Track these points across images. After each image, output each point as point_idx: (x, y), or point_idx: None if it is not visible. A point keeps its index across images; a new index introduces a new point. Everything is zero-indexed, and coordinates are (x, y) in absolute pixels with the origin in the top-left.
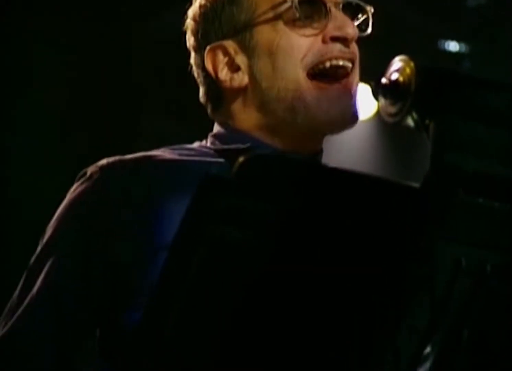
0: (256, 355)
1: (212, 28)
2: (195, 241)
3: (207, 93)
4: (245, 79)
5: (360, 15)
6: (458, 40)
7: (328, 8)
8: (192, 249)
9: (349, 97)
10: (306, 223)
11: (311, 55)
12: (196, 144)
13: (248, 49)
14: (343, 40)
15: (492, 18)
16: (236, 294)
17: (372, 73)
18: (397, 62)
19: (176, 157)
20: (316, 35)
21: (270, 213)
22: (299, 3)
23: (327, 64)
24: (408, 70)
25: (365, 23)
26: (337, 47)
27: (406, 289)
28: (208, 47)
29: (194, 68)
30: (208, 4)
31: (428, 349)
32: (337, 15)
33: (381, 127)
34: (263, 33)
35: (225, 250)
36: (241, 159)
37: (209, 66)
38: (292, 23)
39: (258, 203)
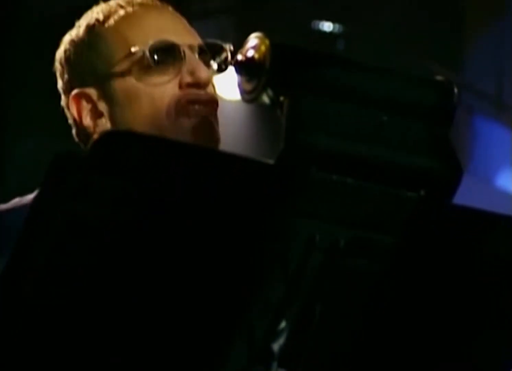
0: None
1: (75, 74)
2: (49, 220)
3: (77, 135)
4: (108, 126)
5: (218, 55)
6: (332, 20)
7: (182, 52)
8: (46, 227)
9: (210, 128)
10: (162, 200)
11: (169, 101)
12: None
13: (107, 97)
14: (197, 85)
15: None
16: (96, 271)
17: None
18: (253, 39)
19: None
20: (171, 80)
21: (126, 190)
22: (153, 51)
23: (185, 108)
24: (263, 48)
25: (225, 61)
26: (193, 91)
27: (260, 264)
28: (72, 93)
29: (65, 109)
30: (72, 49)
31: (282, 324)
32: (191, 60)
33: (252, 106)
34: (120, 83)
35: (80, 228)
36: (95, 136)
37: (74, 112)
38: (147, 71)
39: (113, 180)
